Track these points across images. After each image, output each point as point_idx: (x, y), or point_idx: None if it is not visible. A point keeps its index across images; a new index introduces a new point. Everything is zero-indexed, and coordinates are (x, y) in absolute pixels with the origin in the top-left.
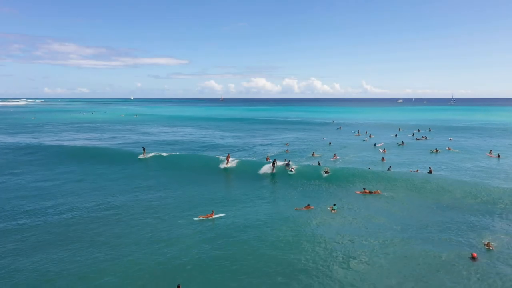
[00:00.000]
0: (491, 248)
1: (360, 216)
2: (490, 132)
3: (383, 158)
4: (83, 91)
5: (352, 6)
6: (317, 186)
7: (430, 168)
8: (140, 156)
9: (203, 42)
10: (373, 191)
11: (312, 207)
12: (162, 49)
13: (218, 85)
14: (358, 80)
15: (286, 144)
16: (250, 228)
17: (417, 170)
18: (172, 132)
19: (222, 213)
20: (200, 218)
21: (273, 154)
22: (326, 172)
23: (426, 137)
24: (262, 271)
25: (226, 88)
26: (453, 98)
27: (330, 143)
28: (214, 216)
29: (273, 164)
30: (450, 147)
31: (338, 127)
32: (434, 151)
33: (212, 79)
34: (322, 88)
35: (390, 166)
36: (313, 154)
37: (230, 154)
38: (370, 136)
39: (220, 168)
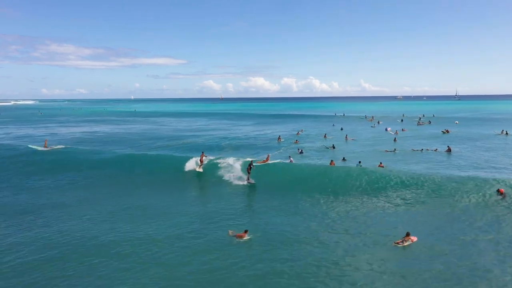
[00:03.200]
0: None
1: None
2: (498, 120)
3: (395, 139)
4: (81, 92)
5: (349, 4)
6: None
7: (448, 146)
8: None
9: (202, 42)
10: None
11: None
12: (161, 49)
13: (216, 84)
14: (356, 79)
15: (298, 133)
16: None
17: (436, 149)
18: (158, 128)
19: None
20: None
21: (275, 152)
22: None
23: (430, 122)
24: None
25: (225, 87)
26: (457, 94)
27: (342, 129)
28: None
29: (249, 168)
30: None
31: (342, 114)
32: (445, 131)
33: (211, 79)
34: (321, 87)
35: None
36: (324, 136)
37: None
38: (378, 122)
39: (192, 171)
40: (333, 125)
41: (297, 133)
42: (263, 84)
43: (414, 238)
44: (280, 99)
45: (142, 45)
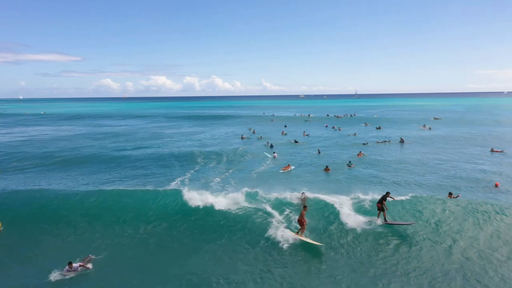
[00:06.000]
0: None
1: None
2: (407, 113)
3: (339, 128)
4: None
5: (249, 4)
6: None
7: (401, 138)
8: None
9: (98, 38)
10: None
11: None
12: (50, 45)
13: (114, 83)
14: (258, 78)
15: (254, 131)
16: None
17: (390, 141)
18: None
19: None
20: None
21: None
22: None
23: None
24: None
25: (124, 86)
26: (357, 93)
27: (285, 126)
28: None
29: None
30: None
31: (271, 120)
32: (378, 128)
33: (108, 77)
34: (224, 86)
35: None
36: (283, 133)
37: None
38: (310, 115)
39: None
40: (285, 126)
41: (253, 131)
42: (164, 83)
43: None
44: (183, 98)
45: (27, 39)
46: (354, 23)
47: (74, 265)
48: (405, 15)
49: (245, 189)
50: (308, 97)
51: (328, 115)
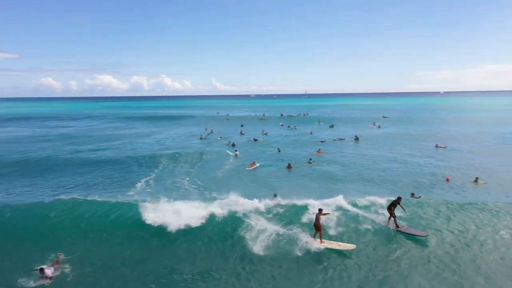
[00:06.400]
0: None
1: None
2: (356, 112)
3: (294, 127)
4: None
5: (198, 5)
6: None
7: (356, 136)
8: None
9: (36, 36)
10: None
11: None
12: None
13: (56, 82)
14: (208, 78)
15: (211, 131)
16: None
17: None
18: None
19: None
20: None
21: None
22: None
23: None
24: None
25: (67, 85)
26: (307, 93)
27: (242, 125)
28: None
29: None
30: (319, 122)
31: (226, 119)
32: (332, 126)
33: (49, 76)
34: (173, 85)
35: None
36: (241, 133)
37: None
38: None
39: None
40: (242, 125)
41: (211, 131)
42: (110, 82)
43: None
44: (131, 98)
45: None
46: (300, 25)
47: (47, 270)
48: (349, 15)
49: (214, 192)
50: (258, 96)
51: (282, 115)
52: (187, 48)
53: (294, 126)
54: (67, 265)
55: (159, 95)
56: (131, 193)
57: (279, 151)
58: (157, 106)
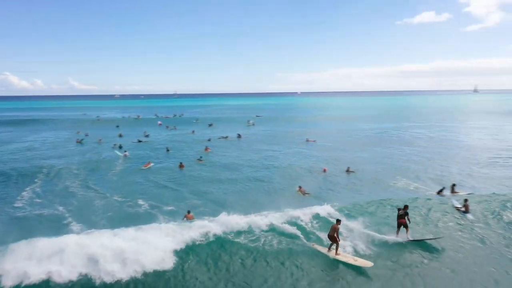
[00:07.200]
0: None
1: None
2: (229, 111)
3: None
4: None
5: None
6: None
7: (239, 134)
8: None
9: None
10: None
11: None
12: None
13: None
14: (63, 77)
15: (84, 135)
16: None
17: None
18: None
19: None
20: None
21: None
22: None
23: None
24: None
25: None
26: (176, 93)
27: (117, 128)
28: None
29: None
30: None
31: (97, 120)
32: (210, 124)
33: None
34: (20, 84)
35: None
36: (120, 135)
37: None
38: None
39: None
40: (117, 126)
41: (86, 134)
42: None
43: None
44: None
45: None
46: (166, 23)
47: None
48: (213, 16)
49: (116, 197)
50: (124, 97)
51: (157, 115)
52: (38, 43)
53: (174, 126)
54: None
55: (3, 95)
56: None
57: (168, 150)
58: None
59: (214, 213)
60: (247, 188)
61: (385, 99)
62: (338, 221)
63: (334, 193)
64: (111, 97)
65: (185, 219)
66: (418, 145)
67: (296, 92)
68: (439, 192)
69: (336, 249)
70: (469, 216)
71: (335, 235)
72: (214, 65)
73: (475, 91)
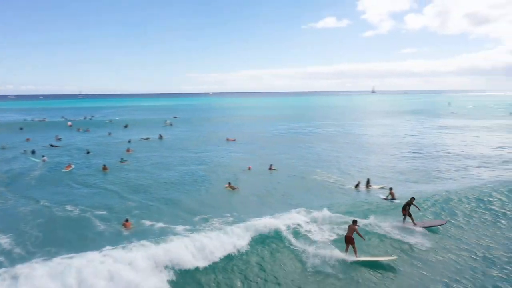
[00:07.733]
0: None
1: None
2: (142, 112)
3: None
4: None
5: None
6: None
7: (160, 134)
8: None
9: None
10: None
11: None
12: None
13: None
14: None
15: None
16: None
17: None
18: None
19: None
20: None
21: None
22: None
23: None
24: None
25: None
26: (81, 93)
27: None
28: None
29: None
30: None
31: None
32: (125, 125)
33: None
34: None
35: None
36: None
37: None
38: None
39: None
40: (21, 128)
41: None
42: None
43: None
44: None
45: None
46: (67, 24)
47: None
48: (120, 16)
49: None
50: (19, 97)
51: (64, 118)
52: None
53: (87, 128)
54: None
55: None
56: None
57: (88, 153)
58: None
59: (150, 218)
60: (176, 189)
61: (294, 99)
62: (355, 221)
63: (260, 189)
64: (4, 97)
65: (123, 228)
66: (334, 141)
67: (208, 93)
68: (356, 186)
69: (355, 251)
70: (396, 201)
71: (352, 235)
72: (122, 65)
73: (373, 92)
